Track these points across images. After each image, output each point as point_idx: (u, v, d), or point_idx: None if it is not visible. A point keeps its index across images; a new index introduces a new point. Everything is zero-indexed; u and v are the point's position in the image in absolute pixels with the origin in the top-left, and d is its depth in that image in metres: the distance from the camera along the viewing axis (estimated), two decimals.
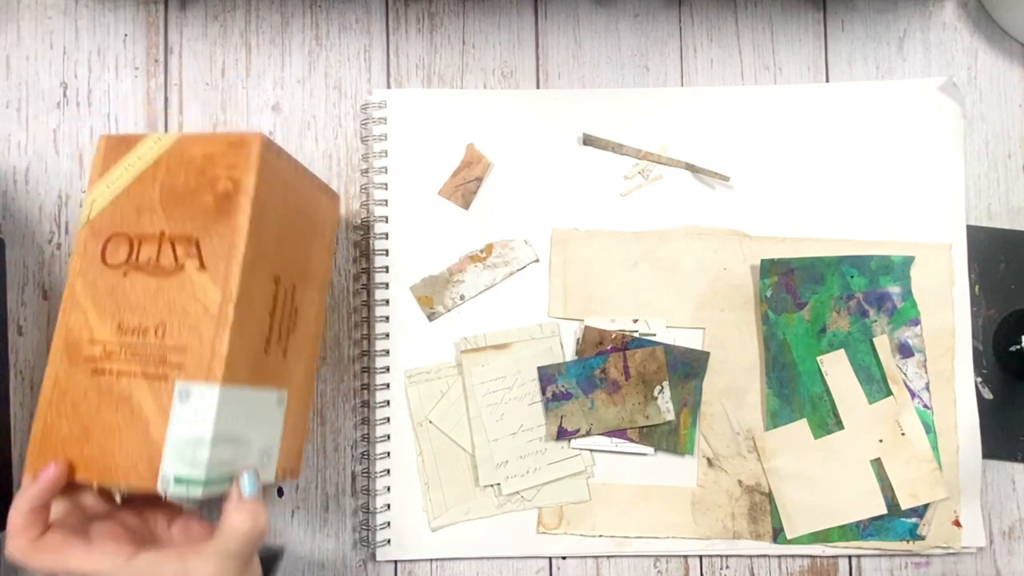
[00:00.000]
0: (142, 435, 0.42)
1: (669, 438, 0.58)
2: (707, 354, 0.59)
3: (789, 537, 0.58)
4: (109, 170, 0.45)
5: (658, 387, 0.58)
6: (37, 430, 0.43)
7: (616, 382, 0.58)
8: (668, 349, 0.59)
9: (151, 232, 0.44)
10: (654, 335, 0.59)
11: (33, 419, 0.44)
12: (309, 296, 0.52)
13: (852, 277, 0.58)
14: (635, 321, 0.59)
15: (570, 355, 0.59)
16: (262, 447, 0.47)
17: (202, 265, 0.43)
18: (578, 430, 0.58)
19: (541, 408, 0.59)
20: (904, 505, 0.57)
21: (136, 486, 0.42)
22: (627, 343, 0.59)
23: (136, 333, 0.43)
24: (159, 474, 0.41)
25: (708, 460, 0.58)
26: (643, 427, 0.58)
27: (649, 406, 0.58)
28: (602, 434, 0.58)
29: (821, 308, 0.58)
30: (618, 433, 0.58)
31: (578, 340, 0.59)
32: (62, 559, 0.40)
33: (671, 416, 0.58)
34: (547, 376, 0.58)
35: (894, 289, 0.58)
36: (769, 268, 0.59)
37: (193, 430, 0.41)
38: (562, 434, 0.58)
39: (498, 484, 0.58)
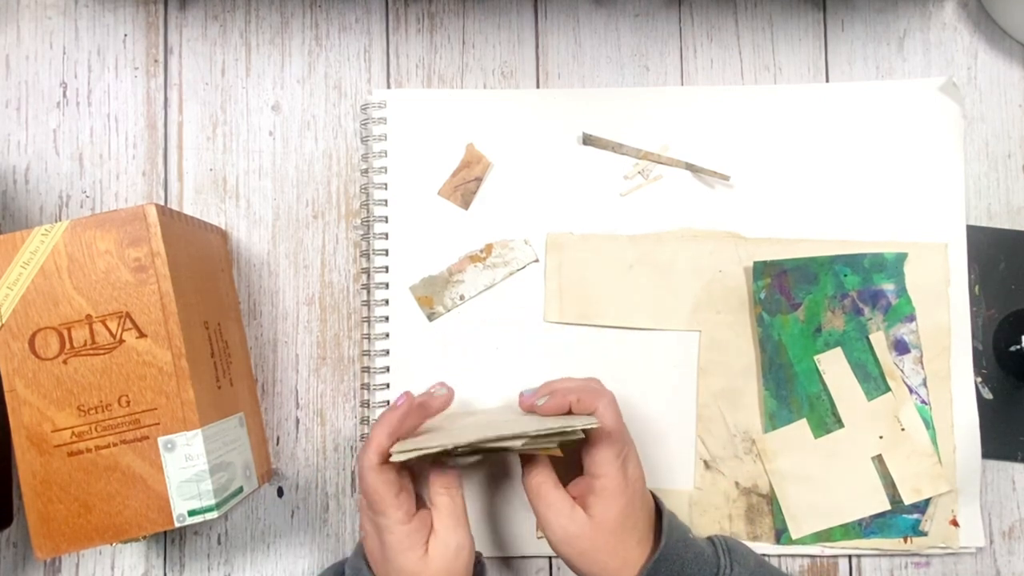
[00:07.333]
0: (143, 490, 0.47)
1: None
2: None
3: (794, 538, 0.57)
4: (4, 272, 0.47)
5: None
6: (34, 519, 0.47)
7: None
8: None
9: (76, 318, 0.47)
10: None
11: (25, 509, 0.47)
12: (231, 328, 0.57)
13: (846, 276, 0.58)
14: None
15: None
16: (243, 463, 0.53)
17: (141, 334, 0.47)
18: None
19: None
20: (907, 500, 0.57)
21: (154, 531, 0.47)
22: None
23: (99, 409, 0.47)
24: (173, 515, 0.47)
25: (705, 462, 0.58)
26: None
27: None
28: None
29: (815, 308, 0.58)
30: None
31: None
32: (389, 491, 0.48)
33: None
34: None
35: (888, 286, 0.58)
36: (762, 270, 0.59)
37: (190, 472, 0.47)
38: None
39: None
